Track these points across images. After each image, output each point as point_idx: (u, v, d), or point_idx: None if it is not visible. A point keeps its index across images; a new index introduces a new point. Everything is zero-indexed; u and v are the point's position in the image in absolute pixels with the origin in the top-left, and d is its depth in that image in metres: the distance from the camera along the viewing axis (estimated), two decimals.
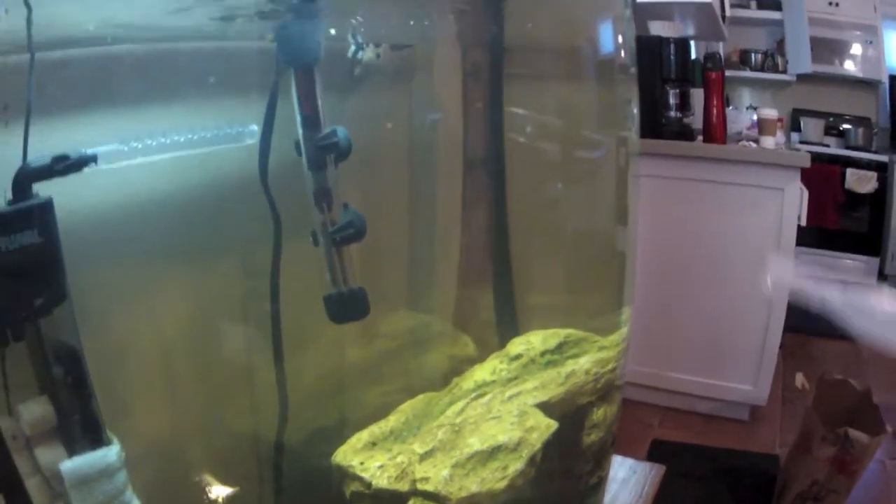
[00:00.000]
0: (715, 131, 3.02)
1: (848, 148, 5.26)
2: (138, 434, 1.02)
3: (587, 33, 1.45)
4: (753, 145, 3.09)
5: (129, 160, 0.90)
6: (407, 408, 1.19)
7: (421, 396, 1.24)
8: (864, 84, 5.37)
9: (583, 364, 1.26)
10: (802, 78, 5.31)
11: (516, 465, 1.07)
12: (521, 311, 1.52)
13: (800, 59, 5.16)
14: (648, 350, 2.95)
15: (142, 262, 1.01)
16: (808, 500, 2.30)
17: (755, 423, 3.04)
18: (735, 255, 2.91)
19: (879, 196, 4.99)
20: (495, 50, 1.51)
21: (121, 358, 1.02)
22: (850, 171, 5.00)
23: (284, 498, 1.21)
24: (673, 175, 2.94)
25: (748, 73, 5.44)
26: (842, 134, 5.39)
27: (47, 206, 0.78)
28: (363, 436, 1.12)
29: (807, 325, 4.00)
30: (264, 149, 1.05)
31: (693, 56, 3.45)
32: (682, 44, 3.14)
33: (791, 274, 2.80)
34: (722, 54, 4.80)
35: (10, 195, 0.76)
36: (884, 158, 5.01)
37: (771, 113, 3.17)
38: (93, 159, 0.83)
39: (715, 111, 3.03)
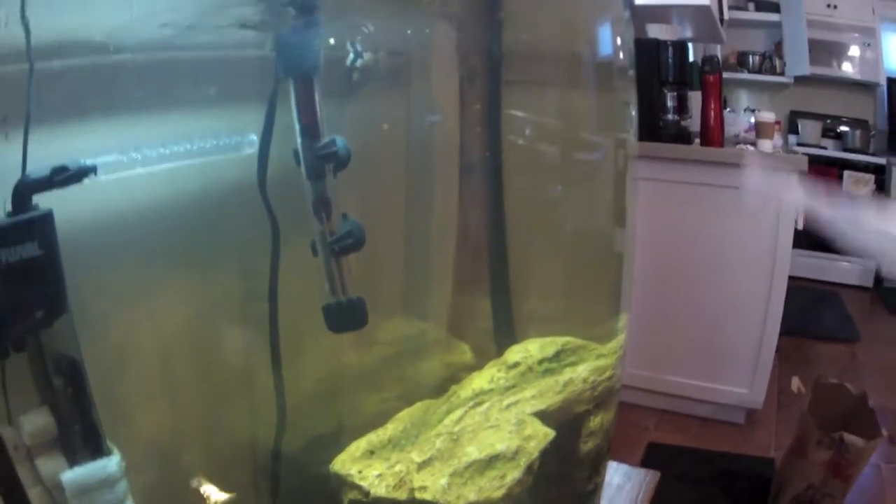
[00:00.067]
0: (713, 134, 3.02)
1: (845, 150, 5.28)
2: (137, 442, 1.02)
3: (586, 35, 1.45)
4: (751, 148, 3.10)
5: (129, 171, 0.91)
6: (405, 416, 1.20)
7: (419, 404, 1.24)
8: (861, 86, 5.38)
9: (580, 372, 1.26)
10: (800, 80, 5.33)
11: (514, 474, 1.08)
12: (519, 318, 1.52)
13: (798, 62, 5.18)
14: (645, 353, 2.96)
15: (140, 271, 1.01)
16: None
17: (751, 426, 3.05)
18: (732, 258, 2.91)
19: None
20: (493, 54, 1.51)
21: (119, 366, 1.02)
22: (847, 174, 5.02)
23: None
24: (670, 178, 2.94)
25: (746, 76, 5.45)
26: (839, 136, 5.40)
27: (47, 219, 0.78)
28: (361, 444, 1.12)
29: (803, 328, 4.04)
30: (263, 158, 1.05)
31: (691, 59, 3.45)
32: (680, 46, 3.15)
33: (802, 193, 2.79)
34: (720, 56, 4.81)
35: (9, 207, 0.76)
36: (881, 161, 5.03)
37: (769, 116, 3.17)
38: (92, 170, 0.83)
39: (712, 114, 3.03)
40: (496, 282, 1.53)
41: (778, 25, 5.35)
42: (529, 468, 1.09)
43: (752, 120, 3.62)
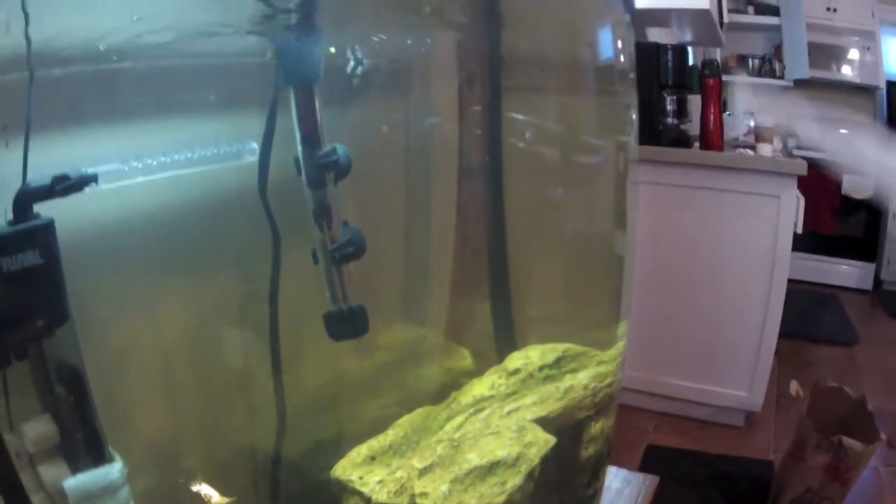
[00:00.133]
0: (712, 138, 3.03)
1: None
2: (139, 447, 1.02)
3: (587, 38, 1.45)
4: (750, 152, 3.10)
5: (130, 179, 0.91)
6: (405, 422, 1.20)
7: (419, 410, 1.24)
8: (861, 90, 5.38)
9: (581, 379, 1.27)
10: (800, 83, 5.33)
11: (514, 481, 1.08)
12: (519, 323, 1.52)
13: (797, 65, 5.18)
14: (644, 355, 2.96)
15: (141, 279, 1.01)
16: None
17: (750, 428, 3.06)
18: (731, 261, 2.92)
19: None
20: (493, 58, 1.51)
21: (121, 373, 1.02)
22: (846, 177, 5.01)
23: None
24: (669, 182, 2.95)
25: (745, 78, 5.45)
26: None
27: (49, 227, 0.78)
28: (362, 450, 1.12)
29: (802, 331, 4.05)
30: (263, 166, 1.05)
31: (690, 62, 3.46)
32: (680, 50, 3.15)
33: (792, 115, 2.77)
34: (719, 59, 4.82)
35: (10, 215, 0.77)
36: None
37: (768, 120, 3.18)
38: (93, 179, 0.83)
39: (712, 118, 3.04)
40: (496, 286, 1.53)
41: (777, 29, 5.35)
42: (530, 475, 1.10)
43: (752, 123, 3.62)
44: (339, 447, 1.16)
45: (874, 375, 3.63)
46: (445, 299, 1.52)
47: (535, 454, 1.12)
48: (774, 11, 5.34)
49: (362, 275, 1.10)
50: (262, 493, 1.21)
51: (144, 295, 1.02)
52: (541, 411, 1.19)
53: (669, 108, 3.10)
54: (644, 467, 2.70)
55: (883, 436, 2.26)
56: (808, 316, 4.42)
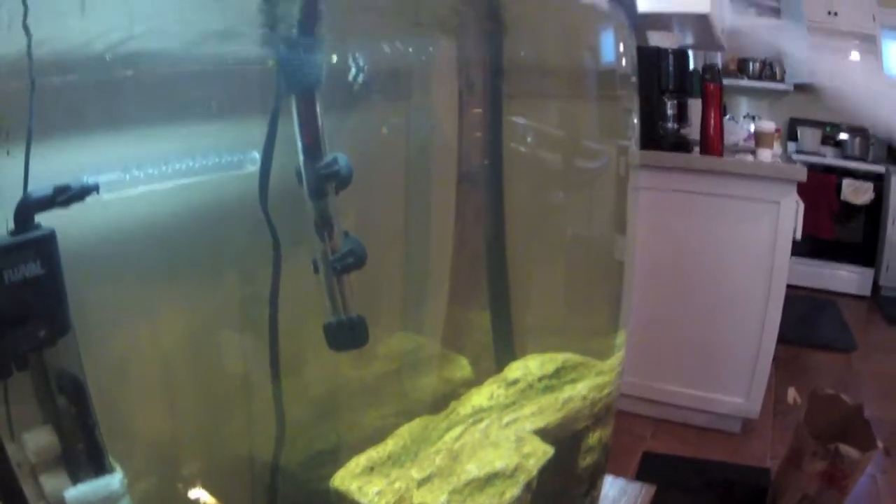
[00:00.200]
0: (712, 143, 3.02)
1: (844, 158, 5.29)
2: (140, 456, 1.02)
3: (589, 43, 1.45)
4: (750, 158, 3.09)
5: (131, 189, 0.91)
6: (405, 432, 1.20)
7: (418, 420, 1.24)
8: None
9: (580, 390, 1.27)
10: (800, 87, 5.33)
11: (513, 491, 1.08)
12: (518, 331, 1.52)
13: (798, 69, 5.18)
14: (642, 361, 2.96)
15: (142, 288, 1.01)
16: None
17: (747, 435, 3.05)
18: (729, 267, 2.92)
19: (875, 207, 5.01)
20: (496, 62, 1.51)
21: (123, 382, 1.02)
22: (846, 182, 5.02)
23: None
24: (669, 187, 2.94)
25: (746, 82, 5.45)
26: (838, 144, 5.41)
27: (50, 238, 0.78)
28: (361, 460, 1.13)
29: (800, 337, 4.05)
30: (264, 175, 1.05)
31: (691, 66, 3.45)
32: (681, 55, 3.15)
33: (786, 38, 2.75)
34: (720, 63, 4.81)
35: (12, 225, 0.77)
36: (880, 169, 5.03)
37: (768, 125, 3.17)
38: (94, 189, 0.84)
39: (713, 123, 3.03)
40: (496, 295, 1.53)
41: None
42: (528, 485, 1.10)
43: (752, 128, 3.62)
44: (337, 457, 1.16)
45: (872, 382, 3.63)
46: (444, 308, 1.52)
47: (533, 465, 1.12)
48: (776, 14, 5.33)
49: (362, 284, 1.10)
50: (260, 501, 1.21)
51: (144, 305, 1.02)
52: (539, 422, 1.19)
53: (670, 112, 3.10)
54: (641, 474, 2.70)
55: (880, 443, 2.26)
56: (806, 322, 4.42)
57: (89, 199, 0.83)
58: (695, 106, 3.24)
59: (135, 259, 0.98)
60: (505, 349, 1.48)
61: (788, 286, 2.90)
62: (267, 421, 1.16)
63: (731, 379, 2.98)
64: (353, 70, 1.14)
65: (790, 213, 2.80)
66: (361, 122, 1.26)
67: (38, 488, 0.82)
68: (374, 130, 1.31)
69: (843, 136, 5.41)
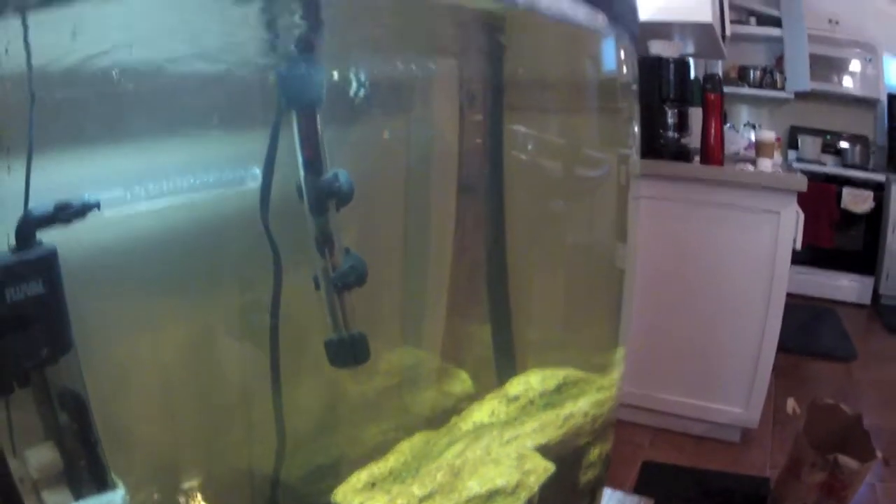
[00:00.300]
0: (712, 153, 3.02)
1: (845, 166, 5.30)
2: (141, 470, 1.02)
3: (590, 58, 1.45)
4: (751, 167, 3.10)
5: (133, 206, 0.91)
6: (406, 448, 1.20)
7: (419, 436, 1.24)
8: (862, 102, 5.40)
9: (581, 406, 1.27)
10: (801, 95, 5.34)
11: None
12: (519, 345, 1.52)
13: (798, 77, 5.19)
14: (641, 370, 2.96)
15: (142, 303, 1.01)
16: None
17: (746, 445, 3.05)
18: (729, 276, 2.92)
19: (875, 215, 5.02)
20: (496, 78, 1.51)
21: (124, 397, 1.02)
22: (846, 190, 5.03)
23: None
24: (668, 196, 2.94)
25: (746, 90, 5.46)
26: (839, 152, 5.42)
27: (51, 256, 0.78)
28: (362, 475, 1.12)
29: (799, 346, 4.05)
30: (265, 191, 1.05)
31: (692, 75, 3.45)
32: (682, 64, 3.15)
33: None
34: (721, 71, 4.82)
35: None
36: (880, 178, 5.04)
37: (769, 135, 3.17)
38: (95, 206, 0.84)
39: (713, 132, 3.04)
40: (496, 308, 1.53)
41: (779, 40, 5.36)
42: (529, 502, 1.10)
43: (752, 136, 3.62)
44: (338, 471, 1.16)
45: (872, 391, 3.63)
46: (444, 322, 1.52)
47: (534, 482, 1.12)
48: (776, 22, 5.35)
49: (362, 298, 1.10)
50: None
51: (145, 320, 1.02)
52: (541, 439, 1.19)
53: (670, 121, 3.09)
54: (640, 483, 2.70)
55: (879, 453, 2.27)
56: (806, 330, 4.42)
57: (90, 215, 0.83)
58: (695, 115, 3.24)
59: (135, 275, 0.98)
60: (506, 362, 1.48)
61: (788, 295, 2.90)
62: (267, 435, 1.16)
63: (731, 388, 2.98)
64: (355, 85, 1.14)
65: (790, 223, 2.81)
66: (362, 137, 1.26)
67: None
68: (374, 145, 1.31)
69: (844, 144, 5.42)
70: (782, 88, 5.41)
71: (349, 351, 1.07)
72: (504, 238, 1.53)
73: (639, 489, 2.64)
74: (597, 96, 1.50)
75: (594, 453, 1.30)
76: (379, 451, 1.19)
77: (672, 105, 3.10)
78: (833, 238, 5.04)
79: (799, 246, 2.84)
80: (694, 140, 3.25)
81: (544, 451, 1.18)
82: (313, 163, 1.02)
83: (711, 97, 3.04)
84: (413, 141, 1.43)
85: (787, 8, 5.22)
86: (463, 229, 1.54)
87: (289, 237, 1.07)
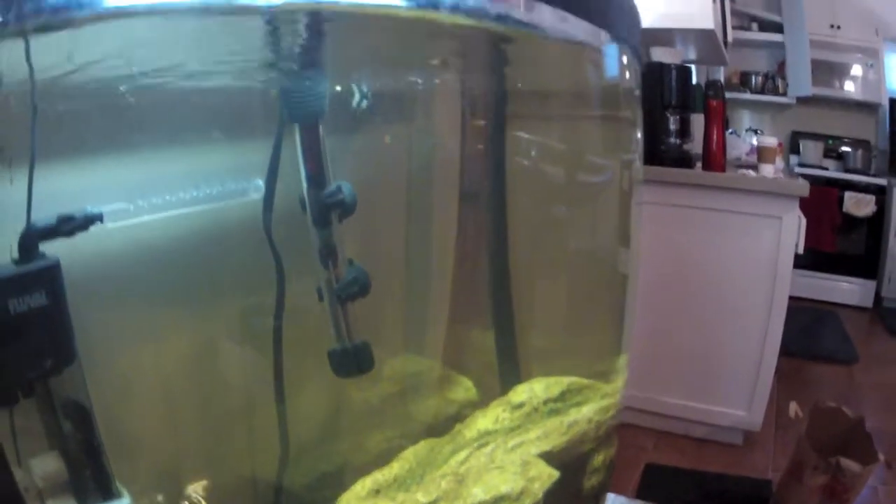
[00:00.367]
0: (714, 159, 3.02)
1: (847, 171, 5.30)
2: (146, 478, 1.03)
3: (593, 63, 1.45)
4: (752, 173, 3.10)
5: (136, 218, 0.92)
6: (410, 455, 1.20)
7: (424, 443, 1.24)
8: (863, 107, 5.40)
9: (585, 413, 1.27)
10: (802, 100, 5.34)
11: None
12: (523, 352, 1.52)
13: (800, 82, 5.18)
14: (644, 373, 2.96)
15: (147, 314, 1.02)
16: None
17: (748, 447, 3.05)
18: (731, 282, 2.92)
19: (877, 219, 5.02)
20: (499, 88, 1.51)
21: (129, 406, 1.03)
22: (848, 195, 5.03)
23: None
24: (670, 202, 2.95)
25: (748, 96, 5.47)
26: (841, 157, 5.42)
27: (54, 268, 0.79)
28: (367, 483, 1.13)
29: (802, 349, 4.05)
30: (268, 202, 1.05)
31: (693, 80, 3.45)
32: (684, 70, 3.15)
33: None
34: (722, 77, 4.82)
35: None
36: (882, 182, 5.04)
37: (770, 141, 3.18)
38: (98, 218, 0.84)
39: (715, 138, 3.04)
40: (500, 315, 1.54)
41: (781, 45, 5.35)
42: None
43: (754, 141, 3.62)
44: (342, 479, 1.16)
45: (874, 394, 3.63)
46: (447, 329, 1.52)
47: (538, 488, 1.12)
48: (778, 28, 5.35)
49: (366, 306, 1.11)
50: None
51: (149, 331, 1.03)
52: (545, 446, 1.19)
53: (672, 127, 3.10)
54: (643, 486, 2.70)
55: (881, 456, 2.26)
56: (809, 334, 4.42)
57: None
58: (697, 121, 3.24)
59: (139, 286, 0.98)
60: (509, 369, 1.48)
61: (790, 298, 2.90)
62: (271, 443, 1.16)
63: (733, 391, 2.98)
64: (357, 97, 1.15)
65: (792, 229, 2.81)
66: (364, 146, 1.27)
67: None
68: (377, 155, 1.31)
69: (846, 148, 5.42)
70: (784, 94, 5.42)
71: (353, 361, 1.08)
72: (508, 245, 1.53)
73: (642, 492, 2.64)
74: (600, 105, 1.50)
75: (598, 459, 1.30)
76: (383, 458, 1.19)
77: (674, 111, 3.10)
78: (835, 242, 5.04)
79: (801, 250, 2.84)
80: (696, 146, 3.25)
81: (548, 457, 1.18)
82: (316, 175, 1.03)
83: (713, 103, 3.04)
84: (415, 149, 1.43)
85: (789, 13, 5.22)
86: (466, 236, 1.55)
87: (292, 248, 1.08)
